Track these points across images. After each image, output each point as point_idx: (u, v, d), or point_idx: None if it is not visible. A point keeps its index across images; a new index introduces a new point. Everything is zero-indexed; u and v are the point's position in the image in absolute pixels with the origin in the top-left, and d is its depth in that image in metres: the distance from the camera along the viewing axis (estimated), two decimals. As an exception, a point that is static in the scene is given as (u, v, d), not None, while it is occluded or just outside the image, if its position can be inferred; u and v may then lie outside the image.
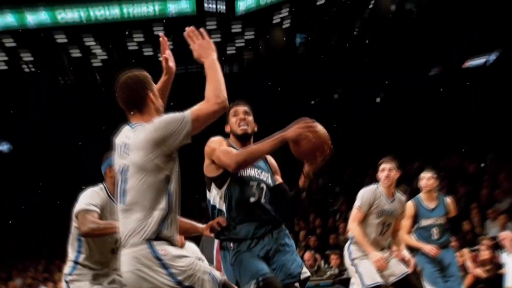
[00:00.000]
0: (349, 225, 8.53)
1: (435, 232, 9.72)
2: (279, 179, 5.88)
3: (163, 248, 4.40)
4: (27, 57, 30.80)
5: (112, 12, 29.21)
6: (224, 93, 4.46)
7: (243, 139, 5.61)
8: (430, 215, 9.72)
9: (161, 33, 5.32)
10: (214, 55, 4.62)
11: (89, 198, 5.92)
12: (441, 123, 22.77)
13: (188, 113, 4.42)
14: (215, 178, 5.54)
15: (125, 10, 29.34)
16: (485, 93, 21.85)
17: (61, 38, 30.12)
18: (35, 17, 28.85)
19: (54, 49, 30.38)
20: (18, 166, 29.98)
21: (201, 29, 4.69)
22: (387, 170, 8.35)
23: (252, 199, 5.50)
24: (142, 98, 4.63)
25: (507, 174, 16.70)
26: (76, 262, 6.08)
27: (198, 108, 4.44)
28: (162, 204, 4.46)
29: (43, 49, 30.23)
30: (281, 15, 28.66)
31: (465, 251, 12.33)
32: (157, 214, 4.44)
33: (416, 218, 9.70)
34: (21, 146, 31.38)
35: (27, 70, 31.27)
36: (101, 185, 6.08)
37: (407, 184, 16.92)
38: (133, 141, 4.48)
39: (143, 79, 4.69)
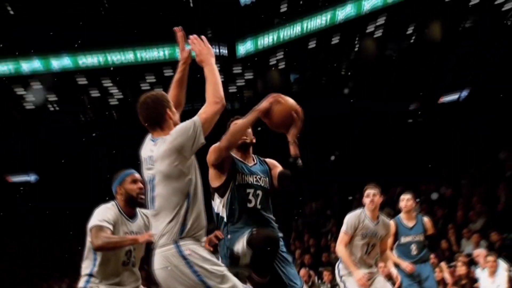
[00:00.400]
0: (337, 248, 8.64)
1: (414, 248, 9.86)
2: (280, 168, 5.92)
3: (188, 248, 4.48)
4: (52, 97, 30.99)
5: (127, 56, 29.40)
6: (221, 93, 4.62)
7: (243, 148, 5.69)
8: (409, 233, 9.92)
9: (177, 28, 5.27)
10: (213, 60, 4.77)
11: (102, 214, 5.82)
12: (420, 152, 22.83)
13: (197, 118, 4.53)
14: (218, 188, 5.61)
15: (138, 55, 29.51)
16: (458, 125, 22.13)
17: (82, 80, 30.22)
18: (59, 62, 29.10)
19: (76, 90, 30.56)
20: (45, 196, 29.99)
21: (203, 36, 4.83)
22: (371, 195, 8.46)
23: (249, 205, 5.56)
24: (161, 115, 4.71)
25: (479, 197, 17.00)
26: (90, 275, 6.00)
27: (204, 111, 4.56)
28: (185, 206, 4.54)
29: (66, 90, 30.46)
30: (276, 58, 28.87)
31: (443, 264, 12.46)
32: (181, 215, 4.52)
33: (396, 236, 9.90)
34: (48, 177, 31.45)
35: (52, 109, 31.48)
36: (112, 202, 5.96)
37: (391, 207, 17.07)
38: (156, 153, 4.56)
39: (161, 98, 4.79)
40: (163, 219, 4.56)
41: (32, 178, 30.16)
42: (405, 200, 9.96)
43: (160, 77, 30.48)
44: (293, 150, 5.49)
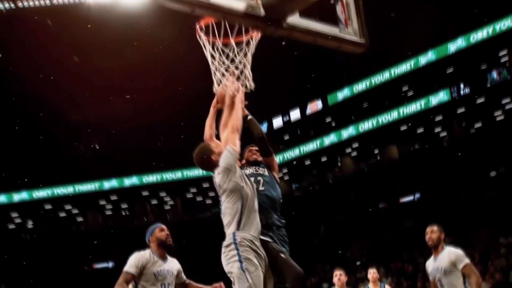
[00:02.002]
0: None
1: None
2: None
3: (240, 236, 4.45)
4: (124, 205, 31.70)
5: (177, 175, 30.18)
6: (240, 124, 4.63)
7: (254, 164, 5.25)
8: None
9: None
10: (239, 100, 4.67)
11: (133, 261, 5.28)
12: (387, 241, 22.66)
13: (229, 147, 4.51)
14: None
15: (184, 173, 30.29)
16: (415, 218, 22.45)
17: (145, 193, 30.79)
18: (129, 181, 29.82)
19: (140, 200, 30.89)
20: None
21: (237, 83, 4.71)
22: (338, 275, 8.10)
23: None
24: (209, 160, 4.66)
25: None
26: None
27: (230, 141, 4.56)
28: (239, 208, 4.50)
29: (134, 200, 31.00)
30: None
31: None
32: (237, 217, 4.49)
33: None
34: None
35: (124, 214, 31.71)
36: (148, 250, 5.40)
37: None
38: (217, 179, 4.57)
39: (205, 149, 4.75)
40: (225, 221, 4.58)
41: (109, 265, 29.64)
42: (372, 273, 9.24)
43: (200, 188, 30.81)
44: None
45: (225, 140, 4.67)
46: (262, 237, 4.68)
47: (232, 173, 4.51)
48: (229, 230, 4.52)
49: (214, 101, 5.01)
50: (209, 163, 4.69)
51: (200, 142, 4.89)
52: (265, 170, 5.19)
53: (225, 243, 4.52)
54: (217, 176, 4.60)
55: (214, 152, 4.71)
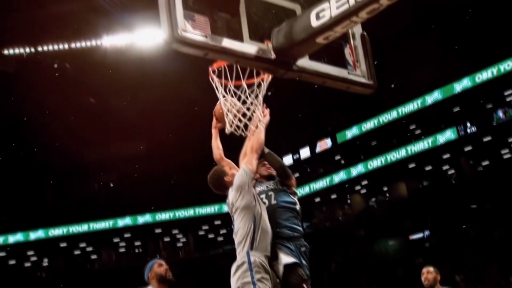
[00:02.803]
0: None
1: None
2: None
3: (254, 256, 4.41)
4: (137, 242, 31.51)
5: (189, 212, 29.96)
6: (259, 146, 4.66)
7: (269, 179, 5.15)
8: None
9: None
10: (263, 125, 4.69)
11: None
12: (397, 278, 22.10)
13: (245, 166, 4.58)
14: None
15: (197, 211, 30.03)
16: (425, 255, 22.01)
17: (157, 230, 30.47)
18: (143, 219, 29.67)
19: (153, 237, 30.56)
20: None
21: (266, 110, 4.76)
22: None
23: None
24: (222, 182, 4.76)
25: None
26: None
27: (247, 161, 4.62)
28: (252, 227, 4.47)
29: (147, 238, 30.61)
30: None
31: None
32: (250, 236, 4.46)
33: None
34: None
35: (137, 251, 31.83)
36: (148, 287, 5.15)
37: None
38: (230, 197, 4.65)
39: (218, 171, 4.84)
40: (237, 240, 4.55)
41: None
42: None
43: (212, 225, 30.71)
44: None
45: (244, 161, 4.68)
46: (290, 259, 4.57)
47: (245, 191, 4.52)
48: (242, 250, 4.47)
49: (214, 121, 5.00)
50: (223, 185, 4.74)
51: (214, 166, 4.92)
52: (278, 183, 5.07)
53: (237, 262, 4.47)
54: (230, 194, 4.64)
55: (227, 173, 4.77)
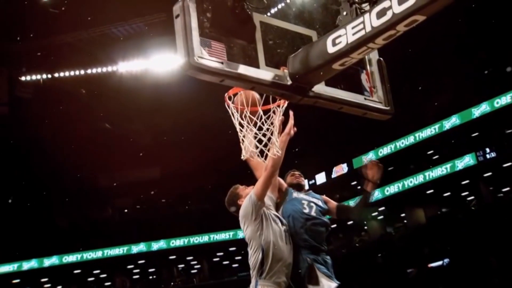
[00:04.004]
0: None
1: None
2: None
3: (262, 284, 4.37)
4: (152, 269, 31.49)
5: (204, 238, 29.86)
6: (275, 168, 4.45)
7: (298, 188, 5.08)
8: None
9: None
10: (285, 139, 4.54)
11: None
12: None
13: (251, 194, 4.47)
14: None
15: (211, 237, 29.90)
16: (445, 284, 21.69)
17: (172, 256, 30.36)
18: (157, 245, 29.57)
19: (167, 265, 30.52)
20: None
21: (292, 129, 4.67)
22: None
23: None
24: (236, 205, 4.65)
25: None
26: None
27: (255, 187, 4.49)
28: (260, 256, 4.39)
29: (161, 264, 30.59)
30: None
31: None
32: (258, 265, 4.39)
33: None
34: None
35: (151, 278, 31.65)
36: None
37: None
38: (241, 225, 4.57)
39: (232, 195, 4.76)
40: (251, 264, 4.49)
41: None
42: None
43: (226, 252, 30.62)
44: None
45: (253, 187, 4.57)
46: (333, 284, 4.52)
47: (248, 221, 4.46)
48: (253, 277, 4.43)
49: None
50: (237, 208, 4.66)
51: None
52: (320, 200, 5.01)
53: None
54: (240, 221, 4.59)
55: (241, 196, 4.70)
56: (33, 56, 23.71)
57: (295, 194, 4.96)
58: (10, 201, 29.64)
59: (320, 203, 4.99)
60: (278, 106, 4.43)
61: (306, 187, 5.25)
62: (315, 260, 4.61)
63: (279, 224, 4.58)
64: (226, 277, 29.57)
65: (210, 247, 30.21)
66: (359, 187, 28.33)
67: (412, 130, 25.62)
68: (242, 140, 4.43)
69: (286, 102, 4.39)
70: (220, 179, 29.76)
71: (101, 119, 27.70)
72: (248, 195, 4.54)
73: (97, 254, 29.08)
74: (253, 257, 4.43)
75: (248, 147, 4.37)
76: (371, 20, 3.47)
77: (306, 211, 4.82)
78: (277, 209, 4.84)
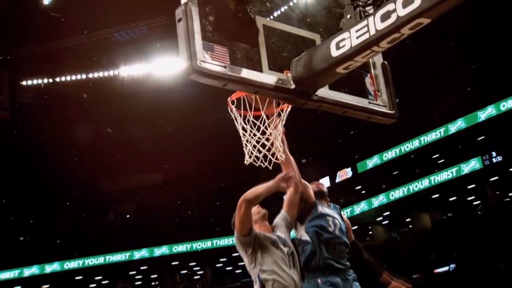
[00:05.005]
0: None
1: None
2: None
3: None
4: (154, 275, 31.38)
5: (207, 244, 29.79)
6: (250, 195, 4.27)
7: (319, 196, 5.03)
8: None
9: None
10: (272, 184, 4.40)
11: None
12: None
13: (235, 230, 4.31)
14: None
15: (214, 243, 29.84)
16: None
17: (174, 262, 30.30)
18: (159, 251, 29.50)
19: (169, 271, 30.52)
20: None
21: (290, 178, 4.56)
22: None
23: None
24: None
25: None
26: None
27: (235, 222, 4.29)
28: (258, 280, 4.24)
29: (163, 270, 30.46)
30: None
31: None
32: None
33: None
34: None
35: (153, 284, 31.73)
36: None
37: None
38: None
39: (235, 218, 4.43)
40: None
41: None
42: None
43: (229, 258, 30.20)
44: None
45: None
46: None
47: (241, 254, 4.33)
48: None
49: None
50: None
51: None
52: (341, 217, 4.99)
53: None
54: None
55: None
56: (34, 60, 23.77)
57: (320, 209, 4.91)
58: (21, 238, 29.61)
59: (341, 220, 4.97)
60: (282, 110, 4.43)
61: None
62: (329, 283, 4.59)
63: (281, 246, 4.40)
64: (229, 283, 29.52)
65: (213, 253, 30.13)
66: (363, 192, 28.48)
67: (417, 133, 25.58)
68: (246, 144, 4.42)
69: (290, 106, 4.39)
70: (223, 184, 29.89)
71: (102, 123, 27.75)
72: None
73: (99, 260, 29.07)
74: (256, 286, 4.28)
75: (251, 152, 4.36)
76: (375, 23, 3.47)
77: (331, 229, 4.80)
78: (301, 220, 4.79)
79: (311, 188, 5.05)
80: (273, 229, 4.56)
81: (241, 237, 4.28)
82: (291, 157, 4.74)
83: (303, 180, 4.85)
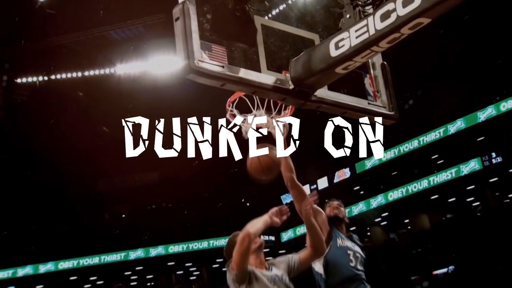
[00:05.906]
0: None
1: None
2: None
3: None
4: (150, 275, 31.41)
5: (203, 244, 29.67)
6: (253, 230, 4.05)
7: (335, 222, 4.83)
8: None
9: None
10: (266, 218, 4.17)
11: None
12: None
13: (231, 264, 4.13)
14: None
15: (211, 243, 29.72)
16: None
17: (170, 263, 30.30)
18: (155, 251, 29.42)
19: (166, 272, 30.48)
20: None
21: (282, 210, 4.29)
22: None
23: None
24: (231, 254, 4.17)
25: None
26: None
27: (234, 256, 4.08)
28: None
29: (159, 271, 30.34)
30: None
31: None
32: None
33: None
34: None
35: (149, 284, 31.84)
36: None
37: None
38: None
39: (231, 245, 4.18)
40: None
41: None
42: None
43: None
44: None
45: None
46: None
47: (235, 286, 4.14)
48: None
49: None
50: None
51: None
52: (360, 247, 4.86)
53: None
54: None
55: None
56: (29, 58, 23.71)
57: (340, 241, 4.74)
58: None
59: (361, 250, 4.86)
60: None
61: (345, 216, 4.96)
62: None
63: (278, 283, 4.22)
64: (226, 284, 29.47)
65: (210, 253, 29.91)
66: (361, 192, 28.49)
67: (416, 134, 25.59)
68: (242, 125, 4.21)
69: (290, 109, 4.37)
70: (220, 184, 29.87)
71: (99, 122, 27.70)
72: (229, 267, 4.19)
73: (94, 260, 29.00)
74: None
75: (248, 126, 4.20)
76: (374, 23, 3.47)
77: (353, 264, 4.72)
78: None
79: (324, 214, 4.86)
80: (269, 265, 4.38)
81: (237, 272, 4.10)
82: (300, 186, 4.62)
83: (314, 206, 4.53)
